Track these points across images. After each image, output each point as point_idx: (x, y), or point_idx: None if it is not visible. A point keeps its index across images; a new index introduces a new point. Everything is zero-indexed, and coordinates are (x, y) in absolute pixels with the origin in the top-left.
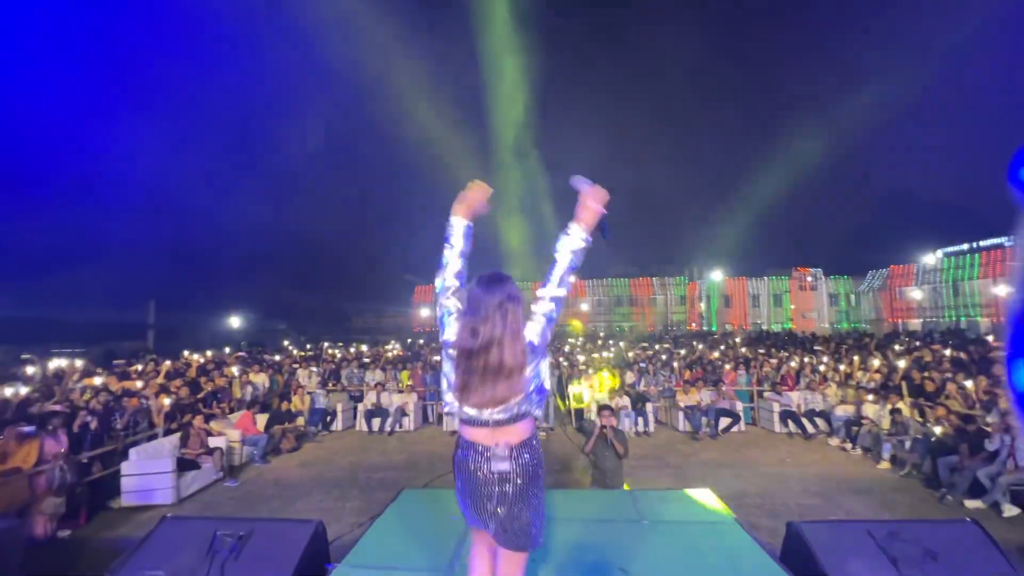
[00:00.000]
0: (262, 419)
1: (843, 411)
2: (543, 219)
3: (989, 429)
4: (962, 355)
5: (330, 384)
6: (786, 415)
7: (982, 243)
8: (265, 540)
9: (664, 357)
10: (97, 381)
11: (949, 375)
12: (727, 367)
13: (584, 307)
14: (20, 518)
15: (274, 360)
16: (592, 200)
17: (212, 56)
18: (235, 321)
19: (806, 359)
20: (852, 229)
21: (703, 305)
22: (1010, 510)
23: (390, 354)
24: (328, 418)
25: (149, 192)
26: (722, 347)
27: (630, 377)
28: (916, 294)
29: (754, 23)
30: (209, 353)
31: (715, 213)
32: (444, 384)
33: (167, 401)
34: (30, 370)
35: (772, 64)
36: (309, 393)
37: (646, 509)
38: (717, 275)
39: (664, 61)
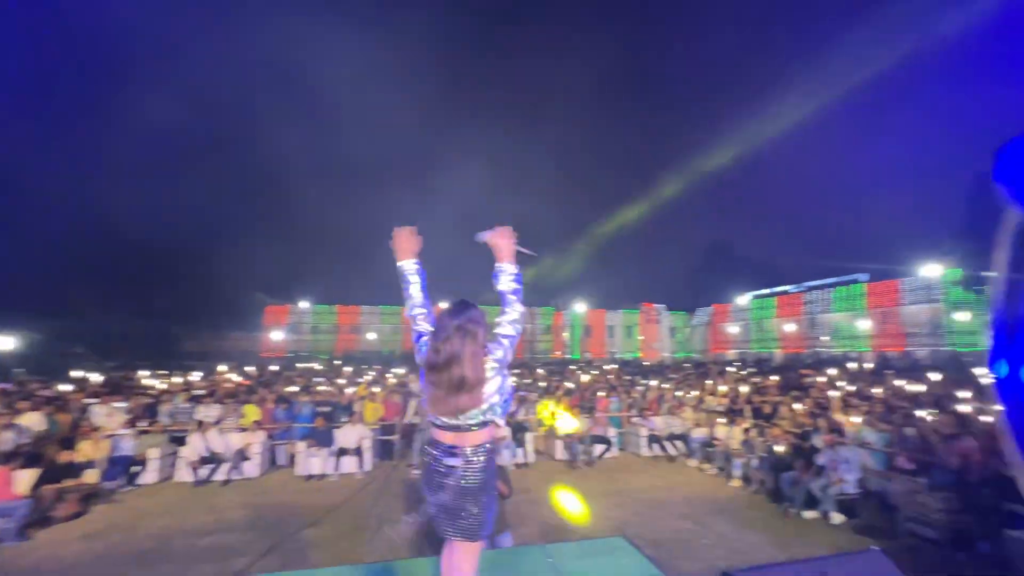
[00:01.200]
0: (29, 477)
1: (699, 433)
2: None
3: (820, 446)
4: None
5: (142, 423)
6: (652, 439)
7: (777, 289)
8: None
9: (543, 385)
10: None
11: (779, 399)
12: (600, 394)
13: None
14: None
15: (56, 394)
16: (500, 239)
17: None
18: (6, 342)
19: (665, 385)
20: (687, 271)
21: (567, 335)
22: (837, 518)
23: (229, 385)
24: (136, 468)
25: None
26: (594, 373)
27: (511, 406)
28: (732, 329)
29: (604, 85)
30: None
31: (578, 249)
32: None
33: None
34: None
35: (632, 127)
36: (109, 436)
37: (563, 567)
38: (580, 307)
39: (532, 101)
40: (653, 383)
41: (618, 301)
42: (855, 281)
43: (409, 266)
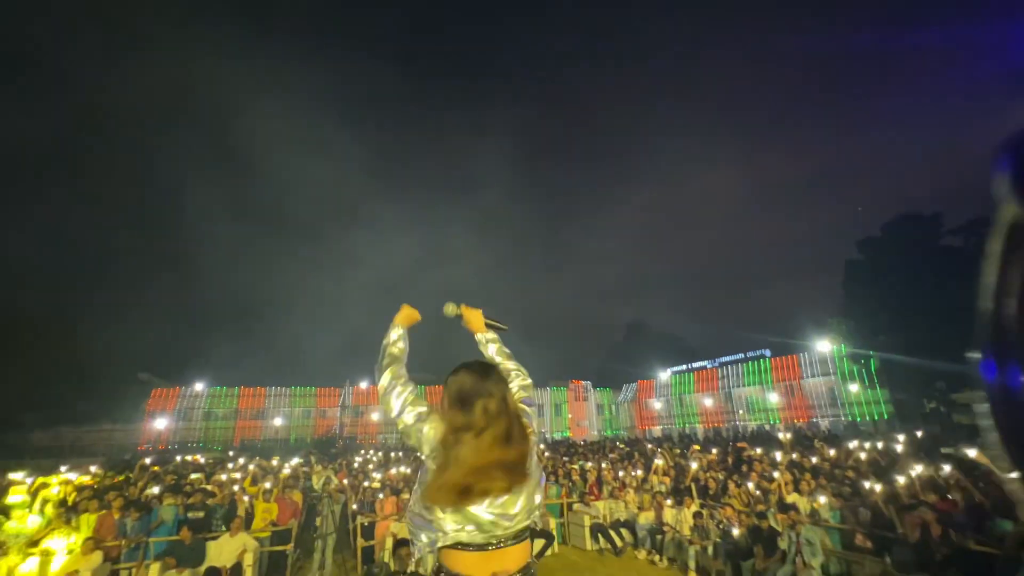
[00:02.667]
0: None
1: (645, 519)
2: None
3: (778, 528)
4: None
5: None
6: (596, 528)
7: (694, 364)
8: None
9: None
10: None
11: (721, 476)
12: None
13: (375, 416)
14: None
15: None
16: (469, 312)
17: None
18: None
19: (603, 465)
20: (611, 347)
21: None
22: None
23: (54, 491)
24: None
25: None
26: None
27: None
28: (657, 404)
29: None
30: None
31: (510, 321)
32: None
33: None
34: None
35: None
36: None
37: None
38: None
39: (454, 175)
40: (589, 465)
41: (546, 378)
42: (761, 356)
43: (401, 331)
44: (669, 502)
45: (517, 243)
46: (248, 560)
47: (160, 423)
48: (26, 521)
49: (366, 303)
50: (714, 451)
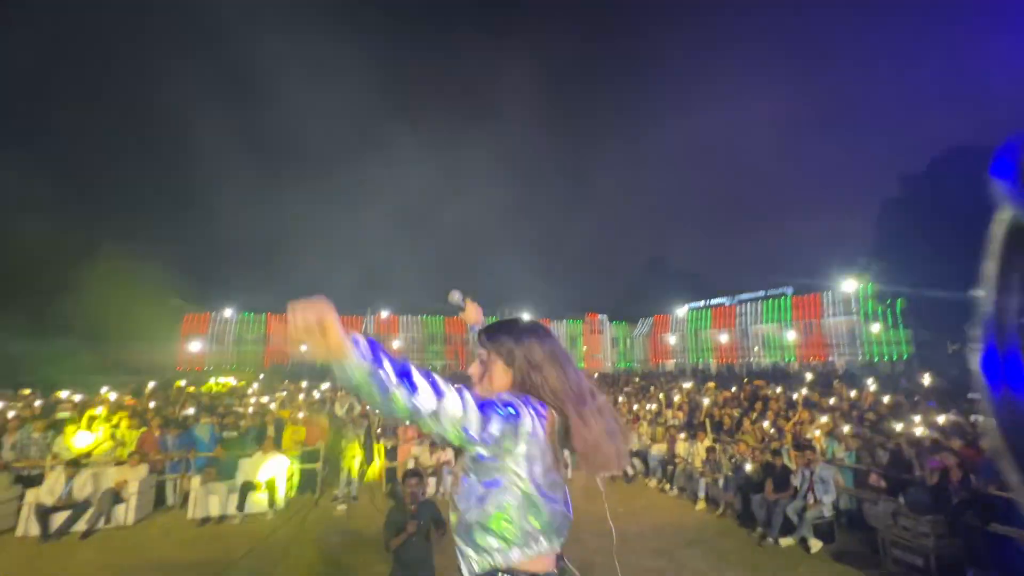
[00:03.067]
0: None
1: (657, 450)
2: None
3: (792, 466)
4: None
5: None
6: None
7: (712, 301)
8: None
9: None
10: None
11: (738, 412)
12: None
13: (396, 343)
14: None
15: None
16: (470, 307)
17: None
18: None
19: (619, 398)
20: (628, 283)
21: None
22: (815, 544)
23: (96, 409)
24: None
25: None
26: None
27: None
28: (671, 340)
29: (553, 95)
30: None
31: (527, 259)
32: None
33: None
34: None
35: (578, 138)
36: None
37: None
38: (526, 316)
39: (479, 105)
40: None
41: (562, 311)
42: (782, 295)
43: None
44: (682, 436)
45: (537, 174)
46: (280, 477)
47: (194, 346)
48: (75, 436)
49: (386, 232)
50: (733, 389)
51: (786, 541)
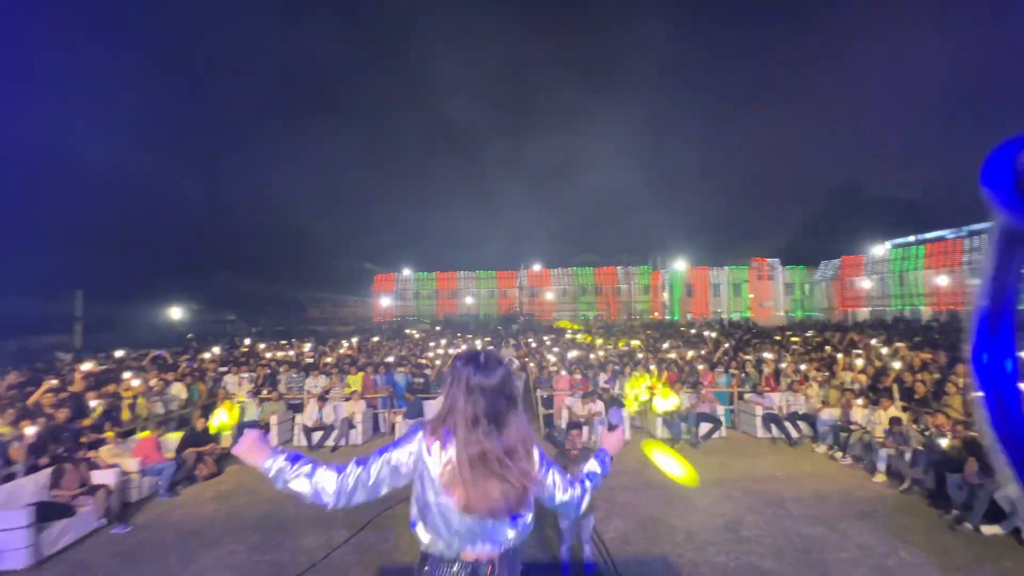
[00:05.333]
0: (174, 439)
1: (828, 414)
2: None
3: None
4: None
5: (264, 392)
6: (768, 419)
7: (926, 235)
8: None
9: (640, 356)
10: None
11: (939, 376)
12: (702, 367)
13: (549, 296)
14: None
15: (195, 366)
16: (617, 437)
17: (145, 27)
18: (176, 313)
19: (786, 356)
20: (806, 220)
21: (666, 295)
22: None
23: (329, 358)
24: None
25: (75, 170)
26: (702, 350)
27: (603, 377)
28: (865, 284)
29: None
30: (90, 366)
31: (679, 202)
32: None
33: (31, 431)
34: None
35: (734, 61)
36: (239, 403)
37: None
38: (680, 264)
39: (640, 53)
40: (768, 355)
41: (723, 257)
42: None
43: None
44: (860, 401)
45: (688, 95)
46: None
47: (384, 301)
48: (319, 378)
49: (531, 195)
50: (930, 349)
51: (990, 529)
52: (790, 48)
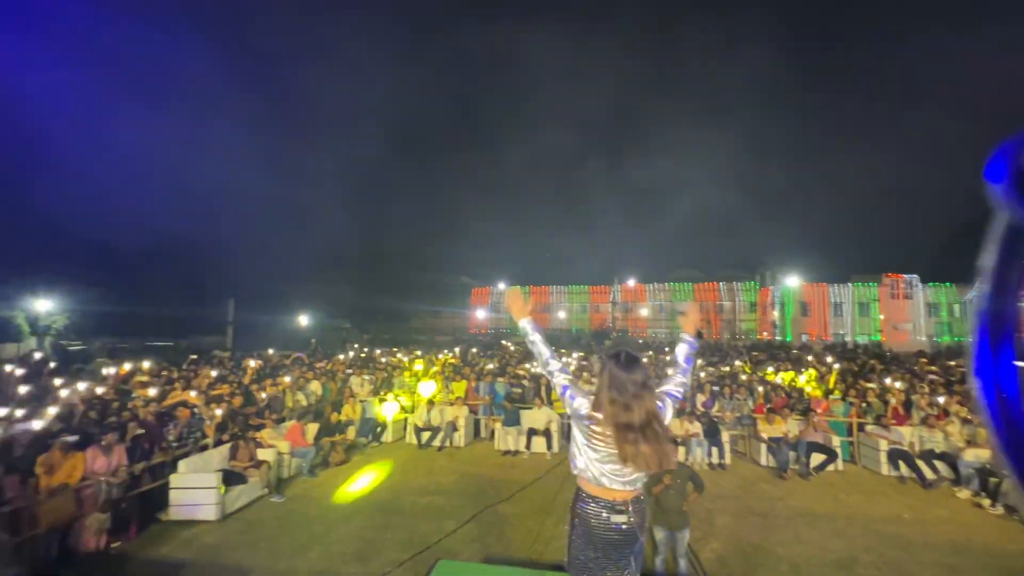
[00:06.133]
0: (313, 429)
1: (974, 455)
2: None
3: None
4: None
5: (382, 393)
6: (896, 455)
7: None
8: None
9: (743, 377)
10: (151, 392)
11: None
12: (815, 393)
13: (643, 312)
14: (66, 533)
15: (328, 366)
16: (692, 313)
17: (282, 60)
18: (303, 320)
19: (920, 387)
20: (956, 230)
21: (776, 313)
22: None
23: (433, 368)
24: (379, 429)
25: (228, 192)
26: (815, 374)
27: (700, 399)
28: None
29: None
30: (255, 363)
31: (792, 214)
32: (575, 448)
33: (219, 412)
34: (104, 371)
35: (853, 56)
36: (361, 402)
37: None
38: (793, 280)
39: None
40: (897, 385)
41: (846, 272)
42: None
43: (528, 325)
44: None
45: (812, 96)
46: (553, 427)
47: (480, 314)
48: (422, 384)
49: (628, 212)
50: None
51: None
52: (929, 42)
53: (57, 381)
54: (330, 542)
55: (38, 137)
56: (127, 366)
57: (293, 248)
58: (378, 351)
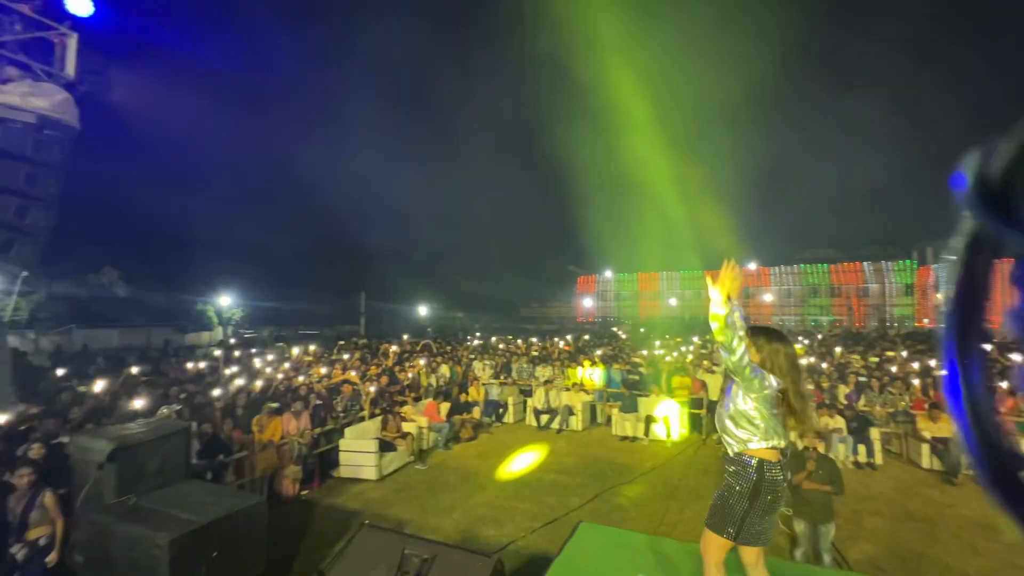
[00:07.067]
0: (444, 407)
1: None
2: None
3: None
4: None
5: (502, 377)
6: None
7: None
8: (446, 568)
9: (894, 368)
10: (323, 369)
11: None
12: (1001, 386)
13: (767, 297)
14: (272, 481)
15: (454, 352)
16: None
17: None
18: (423, 310)
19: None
20: None
21: (940, 296)
22: None
23: (553, 352)
24: (500, 410)
25: (357, 197)
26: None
27: (843, 391)
28: None
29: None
30: (395, 348)
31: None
32: (758, 415)
33: (372, 389)
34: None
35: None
36: (484, 385)
37: None
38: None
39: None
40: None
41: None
42: None
43: (731, 306)
44: None
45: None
46: (672, 416)
47: (586, 302)
48: (545, 369)
49: (750, 192)
50: None
51: None
52: None
53: (257, 361)
54: (469, 506)
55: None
56: (296, 350)
57: (412, 244)
58: (494, 338)
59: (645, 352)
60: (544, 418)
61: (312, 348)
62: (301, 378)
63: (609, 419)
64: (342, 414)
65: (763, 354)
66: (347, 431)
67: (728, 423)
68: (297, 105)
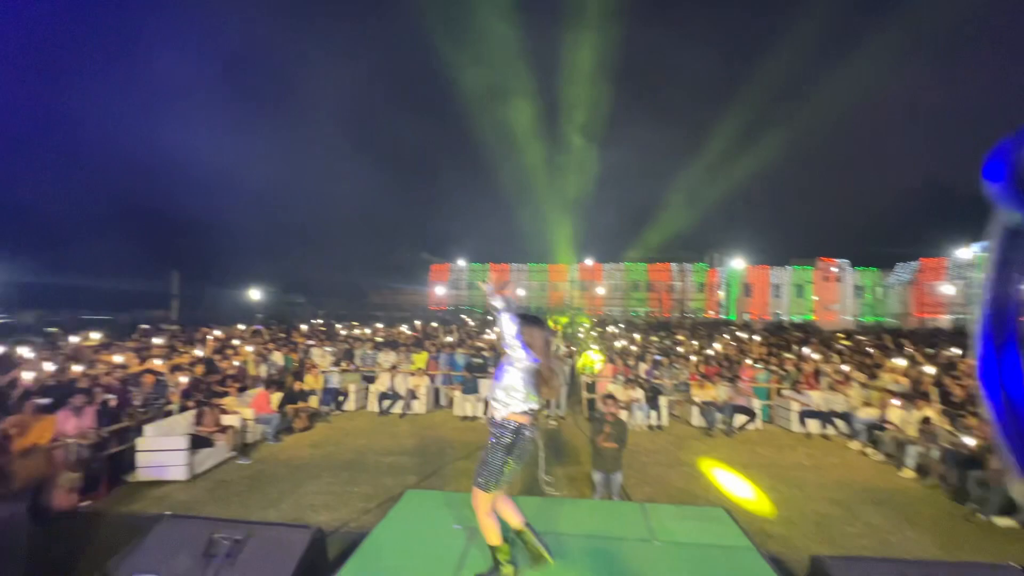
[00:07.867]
0: (276, 397)
1: (866, 414)
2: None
3: None
4: None
5: (343, 364)
6: (805, 414)
7: None
8: (262, 545)
9: (680, 349)
10: (117, 358)
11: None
12: (746, 362)
13: (600, 291)
14: (39, 491)
15: (289, 338)
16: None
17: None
18: (255, 294)
19: (832, 357)
20: (881, 220)
21: (722, 293)
22: None
23: (399, 337)
24: (340, 398)
25: (171, 161)
26: (738, 341)
27: (643, 368)
28: (947, 289)
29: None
30: (219, 333)
31: (738, 199)
32: (520, 385)
33: (183, 379)
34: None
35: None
36: (323, 372)
37: (657, 527)
38: (738, 263)
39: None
40: (813, 355)
41: (786, 256)
42: None
43: (501, 300)
44: (898, 403)
45: (755, 77)
46: None
47: (439, 290)
48: (390, 355)
49: (596, 193)
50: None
51: (1004, 521)
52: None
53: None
54: (299, 496)
55: None
56: (73, 338)
57: (245, 219)
58: (338, 325)
59: (489, 337)
60: (386, 403)
61: (95, 336)
62: (80, 368)
63: (451, 401)
64: (141, 409)
65: (527, 336)
66: (146, 428)
67: (499, 392)
68: (99, 48)
